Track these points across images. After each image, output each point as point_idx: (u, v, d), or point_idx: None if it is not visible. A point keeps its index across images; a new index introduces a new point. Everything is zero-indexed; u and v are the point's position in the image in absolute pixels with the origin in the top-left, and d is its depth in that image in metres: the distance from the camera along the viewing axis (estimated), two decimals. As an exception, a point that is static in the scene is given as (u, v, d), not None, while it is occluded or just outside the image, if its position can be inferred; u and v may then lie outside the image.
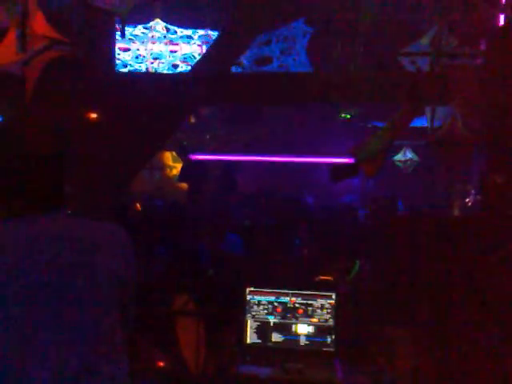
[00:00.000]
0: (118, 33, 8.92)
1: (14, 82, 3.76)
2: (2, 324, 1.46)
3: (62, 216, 1.62)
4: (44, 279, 1.50)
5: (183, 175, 8.25)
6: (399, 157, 9.00)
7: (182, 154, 8.49)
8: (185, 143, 8.65)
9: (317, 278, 3.56)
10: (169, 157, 8.78)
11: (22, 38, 3.23)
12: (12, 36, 3.37)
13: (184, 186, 8.23)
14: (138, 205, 7.03)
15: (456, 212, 6.31)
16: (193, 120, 8.54)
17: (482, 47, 4.87)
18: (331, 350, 2.91)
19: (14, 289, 1.48)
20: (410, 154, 9.02)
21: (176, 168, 8.75)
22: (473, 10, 4.55)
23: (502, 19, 4.52)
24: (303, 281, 3.43)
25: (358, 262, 3.62)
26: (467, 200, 5.89)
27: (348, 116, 8.25)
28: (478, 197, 4.81)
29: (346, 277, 3.53)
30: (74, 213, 1.69)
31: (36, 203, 1.59)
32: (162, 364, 3.03)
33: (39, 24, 3.41)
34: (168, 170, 8.78)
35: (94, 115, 5.85)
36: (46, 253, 1.53)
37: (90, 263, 1.56)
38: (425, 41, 6.51)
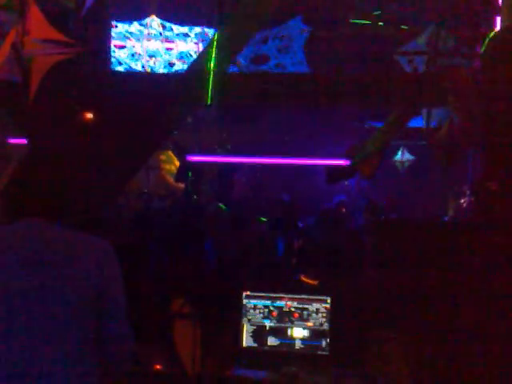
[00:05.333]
0: (114, 29, 8.90)
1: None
2: None
3: (50, 225, 1.72)
4: (19, 279, 1.62)
5: (180, 175, 8.26)
6: (398, 157, 9.03)
7: (179, 154, 8.49)
8: (181, 143, 8.65)
9: (301, 278, 3.58)
10: (170, 153, 8.78)
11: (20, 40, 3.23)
12: (10, 39, 3.37)
13: (181, 185, 8.24)
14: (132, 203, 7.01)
15: (451, 212, 6.35)
16: (189, 120, 8.54)
17: (479, 49, 4.88)
18: (326, 353, 2.94)
19: None
20: (407, 155, 9.05)
21: (175, 164, 8.74)
22: (471, 12, 4.56)
23: (498, 22, 4.52)
24: (299, 285, 3.45)
25: None
26: (462, 201, 5.92)
27: None
28: (473, 198, 4.84)
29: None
30: (67, 223, 1.77)
31: (29, 211, 1.70)
32: (159, 367, 3.05)
33: (40, 26, 3.40)
34: (168, 166, 8.76)
35: (89, 115, 5.82)
36: (24, 253, 1.64)
37: (67, 269, 1.66)
38: (421, 40, 6.52)
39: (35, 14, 3.49)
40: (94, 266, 1.68)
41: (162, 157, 8.62)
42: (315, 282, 3.52)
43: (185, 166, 8.19)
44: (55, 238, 1.70)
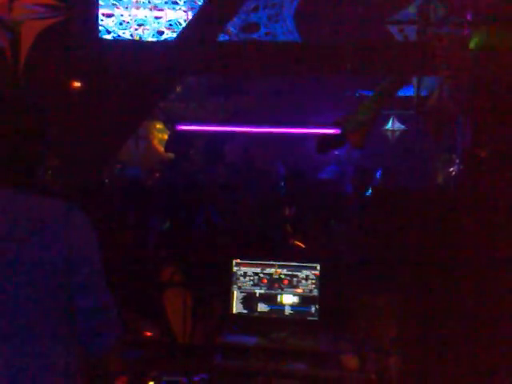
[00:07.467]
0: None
1: None
2: None
3: (13, 192, 1.61)
4: None
5: (170, 145, 8.21)
6: (389, 126, 9.03)
7: (168, 123, 8.42)
8: (171, 113, 8.57)
9: (293, 243, 3.62)
10: (159, 124, 8.68)
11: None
12: None
13: (170, 155, 8.20)
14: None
15: (440, 180, 6.38)
16: (178, 89, 8.45)
17: (469, 17, 4.85)
18: (315, 319, 2.98)
19: None
20: (397, 124, 9.05)
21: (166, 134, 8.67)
22: None
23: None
24: (288, 252, 3.49)
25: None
26: (451, 169, 5.95)
27: None
28: (462, 167, 4.86)
29: None
30: (31, 190, 1.66)
31: None
32: (149, 334, 3.08)
33: None
34: (160, 135, 8.66)
35: (76, 84, 5.74)
36: None
37: (33, 238, 1.56)
38: (412, 9, 6.46)
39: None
40: (63, 234, 1.57)
41: (158, 125, 8.54)
42: (303, 245, 3.57)
43: (174, 136, 8.13)
44: (18, 207, 1.59)
